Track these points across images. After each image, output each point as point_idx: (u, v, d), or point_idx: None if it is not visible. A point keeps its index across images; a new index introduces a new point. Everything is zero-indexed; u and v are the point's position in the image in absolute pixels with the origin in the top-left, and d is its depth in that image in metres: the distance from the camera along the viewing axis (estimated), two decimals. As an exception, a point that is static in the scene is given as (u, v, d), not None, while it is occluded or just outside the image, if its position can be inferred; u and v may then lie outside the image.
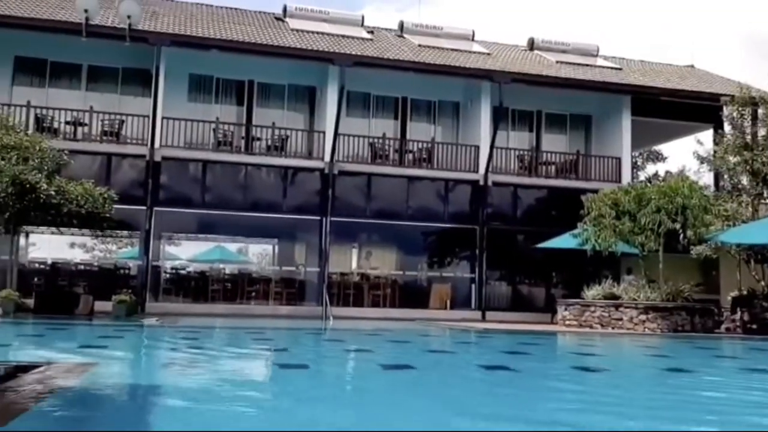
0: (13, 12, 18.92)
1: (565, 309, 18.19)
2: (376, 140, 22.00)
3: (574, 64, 24.28)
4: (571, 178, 22.83)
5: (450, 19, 75.06)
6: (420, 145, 22.42)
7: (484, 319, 20.57)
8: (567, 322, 17.88)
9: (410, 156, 22.43)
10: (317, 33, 22.36)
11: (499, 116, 21.66)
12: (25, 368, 6.07)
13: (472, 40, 25.41)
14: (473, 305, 21.37)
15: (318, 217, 20.67)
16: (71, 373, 6.10)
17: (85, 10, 18.15)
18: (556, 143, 24.13)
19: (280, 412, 4.92)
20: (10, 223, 15.79)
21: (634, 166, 27.63)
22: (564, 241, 18.98)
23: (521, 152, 23.07)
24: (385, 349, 11.04)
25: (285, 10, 24.10)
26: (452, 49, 23.44)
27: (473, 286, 21.60)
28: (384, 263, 22.98)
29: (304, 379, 6.75)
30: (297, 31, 22.34)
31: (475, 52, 23.87)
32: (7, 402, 4.71)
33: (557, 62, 24.32)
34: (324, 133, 20.89)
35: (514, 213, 22.36)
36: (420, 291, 22.05)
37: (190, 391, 5.70)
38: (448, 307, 21.25)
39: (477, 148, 21.92)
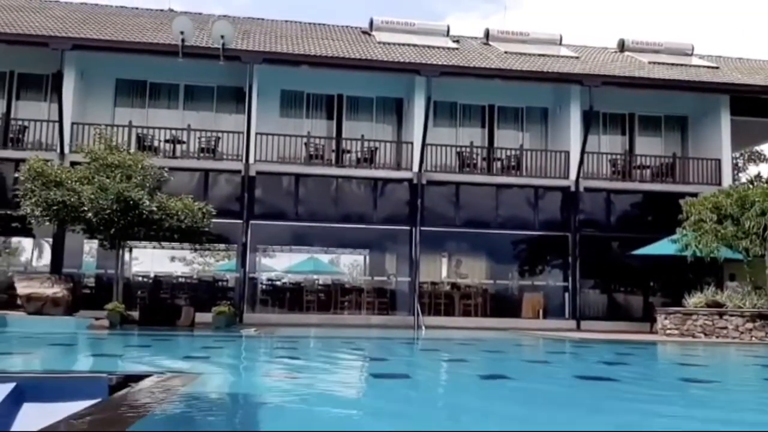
0: (114, 37, 19.93)
1: (665, 318, 17.56)
2: (463, 149, 21.95)
3: (667, 64, 23.54)
4: (668, 182, 22.10)
5: (536, 24, 74.11)
6: (508, 153, 22.21)
7: (578, 328, 20.13)
8: (667, 332, 17.26)
9: (498, 164, 22.26)
10: (403, 45, 22.54)
11: (590, 120, 21.21)
12: (136, 378, 6.35)
13: (560, 44, 25.03)
14: (567, 314, 20.94)
15: (407, 227, 20.77)
16: (180, 382, 6.31)
17: (181, 32, 18.94)
18: (650, 146, 23.42)
19: (382, 419, 4.97)
20: (115, 239, 16.58)
21: (735, 168, 26.50)
22: (662, 247, 18.36)
23: (614, 156, 22.50)
24: (479, 358, 10.95)
25: (371, 23, 24.43)
26: (539, 55, 23.15)
27: (566, 294, 21.17)
28: (474, 272, 22.85)
29: (401, 388, 6.78)
30: (383, 43, 22.59)
31: (563, 56, 23.49)
32: (121, 410, 4.92)
33: (650, 63, 23.63)
34: (412, 143, 21.01)
35: (607, 219, 21.81)
36: (511, 300, 21.79)
37: (293, 399, 5.83)
38: (541, 316, 20.90)
39: (567, 153, 21.53)
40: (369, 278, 23.90)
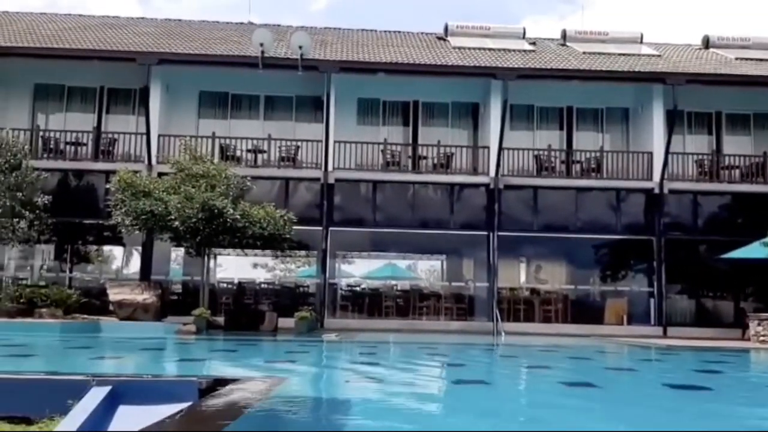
0: (198, 51, 20.59)
1: (759, 324, 16.85)
2: (541, 152, 21.65)
3: (756, 60, 22.60)
4: (759, 182, 21.19)
5: (614, 23, 72.41)
6: (588, 155, 21.77)
7: (665, 335, 19.53)
8: (761, 338, 16.55)
9: (578, 166, 21.85)
10: (479, 49, 22.45)
11: (674, 120, 20.59)
12: (224, 381, 6.53)
13: (641, 42, 24.41)
14: (652, 321, 20.34)
15: (485, 232, 20.63)
16: (267, 386, 6.46)
17: (261, 44, 19.43)
18: (739, 145, 22.50)
19: (464, 425, 4.96)
20: (201, 246, 17.11)
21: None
22: (753, 250, 17.62)
23: (700, 157, 21.75)
24: (562, 365, 10.78)
25: (446, 29, 24.44)
26: (619, 54, 22.65)
27: (652, 300, 20.57)
28: (554, 277, 22.48)
29: (483, 395, 6.75)
30: (459, 48, 22.54)
31: (644, 55, 22.90)
32: (212, 414, 5.08)
33: (736, 59, 22.77)
34: (488, 148, 20.88)
35: (694, 222, 21.10)
36: (593, 306, 21.31)
37: (377, 404, 5.89)
38: (625, 322, 20.36)
39: (650, 154, 20.96)
40: (446, 284, 23.81)
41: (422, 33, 25.09)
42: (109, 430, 5.15)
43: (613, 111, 22.96)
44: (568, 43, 24.48)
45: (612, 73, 20.99)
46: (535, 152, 21.66)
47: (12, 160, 17.22)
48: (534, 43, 24.03)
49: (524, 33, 24.59)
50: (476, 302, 21.25)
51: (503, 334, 18.71)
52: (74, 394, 5.24)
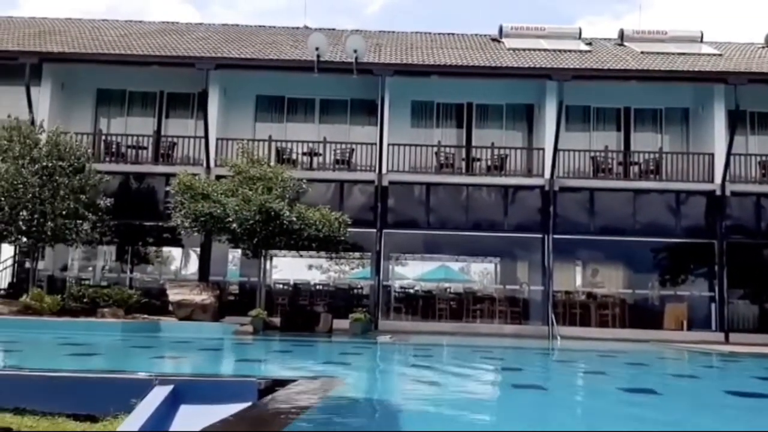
0: (254, 55, 20.92)
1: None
2: (597, 154, 21.33)
3: (823, 57, 21.84)
4: (826, 184, 20.46)
5: (673, 23, 70.86)
6: (646, 156, 21.35)
7: (727, 341, 19.00)
8: (829, 346, 15.96)
9: (635, 168, 21.45)
10: (534, 50, 22.24)
11: (736, 120, 20.03)
12: (283, 382, 6.62)
13: (701, 41, 23.82)
14: (714, 326, 19.82)
15: (540, 235, 20.42)
16: (325, 386, 6.53)
17: (317, 48, 19.58)
18: (806, 146, 21.76)
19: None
20: (257, 248, 17.39)
21: None
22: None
23: (764, 158, 21.10)
24: (621, 371, 10.59)
25: (501, 30, 24.28)
26: (679, 53, 22.15)
27: (713, 305, 20.04)
28: (611, 281, 22.09)
29: (540, 400, 6.68)
30: (513, 50, 22.37)
31: (704, 54, 22.35)
32: (272, 414, 5.15)
33: (802, 57, 22.03)
34: (543, 149, 20.67)
35: (758, 225, 20.48)
36: (652, 311, 20.87)
37: (433, 406, 5.90)
38: (685, 328, 19.88)
39: (711, 156, 20.44)
40: (500, 287, 23.64)
41: (476, 35, 24.98)
42: (171, 428, 5.25)
43: (672, 111, 22.46)
44: (625, 43, 24.06)
45: (671, 73, 20.55)
46: (592, 154, 21.35)
47: (76, 164, 17.77)
48: (590, 44, 23.69)
49: (580, 33, 24.25)
50: (531, 305, 21.05)
51: (559, 338, 18.47)
52: (137, 393, 5.36)
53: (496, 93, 22.00)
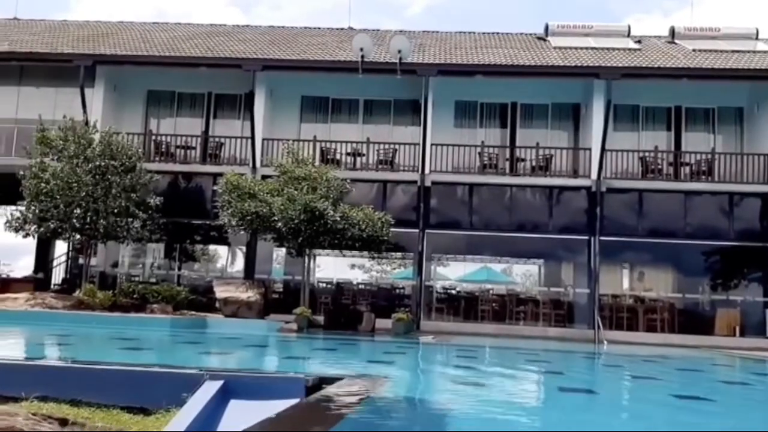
0: (300, 56, 21.09)
1: None
2: (647, 154, 20.96)
3: None
4: None
5: (726, 19, 69.28)
6: (698, 157, 20.88)
7: (782, 347, 18.45)
8: None
9: (686, 169, 21.00)
10: (581, 48, 21.95)
11: (793, 119, 19.48)
12: (329, 380, 6.66)
13: (756, 38, 23.23)
14: (768, 333, 19.28)
15: (585, 237, 20.15)
16: (370, 385, 6.56)
17: (361, 49, 19.67)
18: None
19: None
20: (302, 247, 17.53)
21: None
22: None
23: (820, 159, 20.48)
24: (671, 377, 10.41)
25: (547, 29, 24.04)
26: (732, 51, 21.61)
27: (767, 311, 19.51)
28: (659, 285, 21.66)
29: (588, 404, 6.61)
30: (560, 48, 22.13)
31: (760, 52, 21.77)
32: (321, 411, 5.20)
33: None
34: (590, 150, 20.39)
35: (816, 228, 19.87)
36: (702, 316, 20.37)
37: (478, 407, 5.88)
38: (737, 334, 19.37)
39: (766, 156, 19.92)
40: (544, 289, 23.40)
41: (521, 34, 24.78)
42: (221, 422, 5.32)
43: (725, 111, 21.94)
44: (676, 41, 23.60)
45: (725, 71, 20.05)
46: (641, 154, 20.99)
47: (127, 163, 18.18)
48: (639, 41, 23.29)
49: (629, 31, 23.87)
50: (576, 308, 20.78)
51: (605, 342, 18.21)
52: (188, 388, 5.48)
53: (541, 92, 21.79)
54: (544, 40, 23.63)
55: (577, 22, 23.94)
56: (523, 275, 29.00)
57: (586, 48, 21.99)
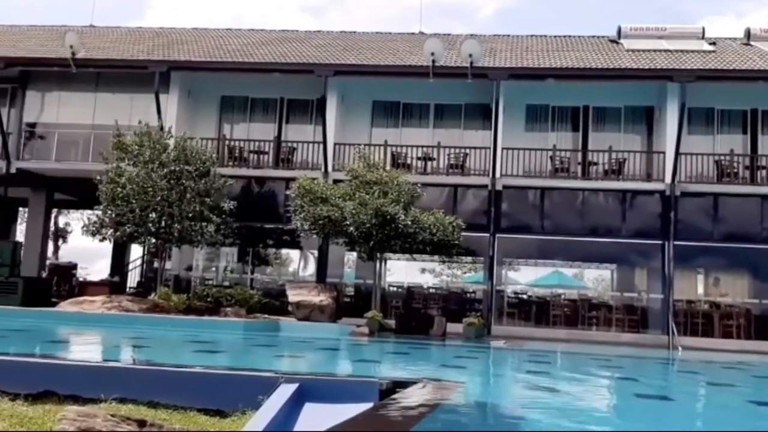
0: (371, 61, 21.30)
1: None
2: (722, 158, 20.37)
3: None
4: None
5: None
6: (776, 161, 20.17)
7: None
8: None
9: (764, 172, 20.33)
10: (654, 51, 21.49)
11: None
12: (403, 384, 6.75)
13: (838, 38, 22.27)
14: None
15: (659, 241, 19.70)
16: (446, 390, 6.63)
17: (432, 54, 19.76)
18: None
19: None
20: (373, 251, 17.67)
21: None
22: None
23: None
24: (750, 384, 10.12)
25: (619, 31, 23.61)
26: (813, 51, 20.80)
27: None
28: (735, 290, 21.00)
29: (665, 411, 6.52)
30: (632, 51, 21.71)
31: (842, 51, 20.88)
32: (397, 416, 5.27)
33: None
34: (663, 153, 19.95)
35: None
36: (780, 322, 19.67)
37: (555, 413, 5.88)
38: (819, 342, 18.61)
39: None
40: (617, 294, 22.95)
41: (593, 36, 24.39)
42: (297, 426, 5.43)
43: (805, 113, 21.12)
44: (752, 43, 22.84)
45: (805, 73, 19.32)
46: (716, 157, 20.41)
47: (201, 168, 18.57)
48: (714, 43, 22.64)
49: (703, 33, 23.22)
50: (649, 314, 20.32)
51: (680, 348, 17.77)
52: (264, 390, 5.59)
53: (614, 95, 21.41)
54: (617, 42, 23.22)
55: (650, 24, 23.42)
56: (595, 280, 28.51)
57: (660, 50, 21.51)
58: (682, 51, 21.35)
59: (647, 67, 20.21)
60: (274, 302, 18.94)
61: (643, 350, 16.95)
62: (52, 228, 35.43)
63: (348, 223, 16.79)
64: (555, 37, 24.40)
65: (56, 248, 40.34)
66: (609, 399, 7.83)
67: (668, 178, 19.62)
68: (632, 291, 22.24)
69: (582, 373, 10.69)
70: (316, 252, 20.97)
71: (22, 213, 28.81)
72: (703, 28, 23.35)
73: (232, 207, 18.72)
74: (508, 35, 24.71)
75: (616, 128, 21.82)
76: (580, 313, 20.62)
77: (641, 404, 7.11)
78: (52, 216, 33.08)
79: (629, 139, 21.71)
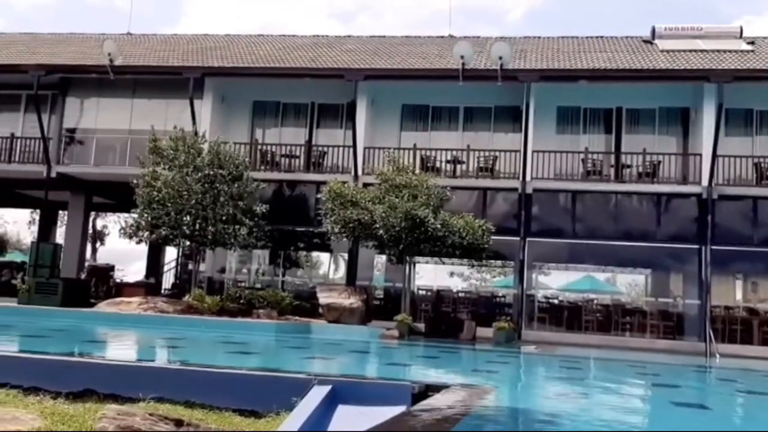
0: (401, 65, 21.31)
1: None
2: (761, 160, 19.96)
3: None
4: None
5: None
6: (818, 163, 19.71)
7: None
8: None
9: (805, 175, 19.86)
10: (690, 51, 21.16)
11: None
12: (435, 387, 6.70)
13: None
14: None
15: (696, 246, 19.37)
16: (479, 394, 6.57)
17: (462, 57, 19.70)
18: None
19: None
20: (403, 254, 17.66)
21: None
22: None
23: None
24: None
25: (653, 32, 23.28)
26: None
27: None
28: (774, 296, 20.57)
29: (702, 419, 6.38)
30: (667, 51, 21.40)
31: None
32: (430, 420, 5.23)
33: None
34: (700, 155, 19.62)
35: None
36: (822, 329, 19.21)
37: (589, 421, 5.79)
38: None
39: None
40: (652, 299, 22.62)
41: (626, 37, 24.10)
42: (330, 427, 5.43)
43: None
44: (792, 41, 22.39)
45: None
46: (755, 160, 20.02)
47: (234, 172, 18.78)
48: (752, 43, 22.22)
49: (741, 32, 22.80)
50: (685, 320, 19.99)
51: (717, 355, 17.43)
52: (298, 392, 5.64)
53: (648, 97, 21.13)
54: (651, 43, 22.91)
55: (686, 24, 23.06)
56: (628, 285, 28.16)
57: (696, 50, 21.18)
58: (718, 51, 21.00)
59: (683, 67, 19.91)
60: (305, 304, 19.01)
61: (679, 357, 16.66)
62: (90, 230, 36.06)
63: (378, 226, 16.80)
64: (586, 38, 24.16)
65: (94, 250, 41.05)
66: (644, 406, 7.69)
67: (705, 181, 19.28)
68: (667, 296, 21.92)
69: (616, 380, 10.53)
70: (346, 255, 21.03)
71: (62, 216, 29.38)
72: (741, 28, 22.93)
73: (264, 210, 18.87)
74: (538, 37, 24.52)
75: (650, 130, 21.53)
76: (613, 319, 20.36)
77: (678, 412, 6.97)
78: (91, 219, 33.66)
79: (664, 141, 21.40)
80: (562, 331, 20.09)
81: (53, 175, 22.33)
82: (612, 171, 20.93)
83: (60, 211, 29.04)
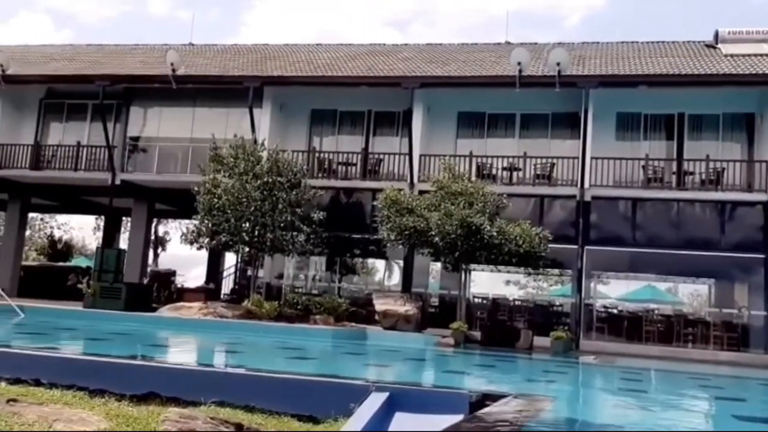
0: (456, 73, 21.30)
1: None
2: (831, 166, 19.25)
3: None
4: None
5: None
6: None
7: None
8: None
9: None
10: (755, 55, 20.58)
11: None
12: (493, 397, 6.68)
13: None
14: None
15: (762, 255, 18.83)
16: (538, 404, 6.53)
17: (518, 63, 19.57)
18: None
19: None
20: (458, 261, 17.62)
21: None
22: None
23: None
24: None
25: (716, 36, 22.73)
26: None
27: None
28: None
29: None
30: (731, 56, 20.87)
31: None
32: (493, 426, 5.21)
33: None
34: (766, 162, 19.07)
35: None
36: None
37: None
38: None
39: None
40: (715, 310, 22.00)
41: (688, 42, 23.58)
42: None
43: None
44: None
45: None
46: (824, 167, 19.32)
47: (293, 179, 19.05)
48: (822, 45, 21.49)
49: (810, 35, 22.07)
50: (751, 332, 19.37)
51: (785, 369, 16.85)
52: (356, 398, 5.68)
53: (710, 102, 20.61)
54: (714, 47, 22.37)
55: (750, 27, 22.45)
56: (690, 295, 27.53)
57: (762, 55, 20.59)
58: (786, 55, 20.38)
59: (748, 72, 19.39)
60: (361, 311, 19.13)
61: (744, 370, 16.17)
62: (152, 236, 37.03)
63: (433, 233, 16.81)
64: (646, 43, 23.73)
65: (156, 256, 42.11)
66: (705, 420, 7.52)
67: (773, 189, 18.72)
68: (731, 307, 21.31)
69: (679, 392, 10.30)
70: (401, 262, 21.06)
71: (125, 222, 30.25)
72: (810, 31, 22.21)
73: (321, 217, 19.04)
74: (597, 42, 24.18)
75: (713, 136, 20.99)
76: (675, 330, 19.86)
77: (742, 427, 6.80)
78: (153, 225, 34.56)
79: (728, 147, 20.84)
80: (621, 342, 19.68)
81: (117, 182, 22.99)
82: (674, 178, 20.47)
83: (124, 218, 29.88)
